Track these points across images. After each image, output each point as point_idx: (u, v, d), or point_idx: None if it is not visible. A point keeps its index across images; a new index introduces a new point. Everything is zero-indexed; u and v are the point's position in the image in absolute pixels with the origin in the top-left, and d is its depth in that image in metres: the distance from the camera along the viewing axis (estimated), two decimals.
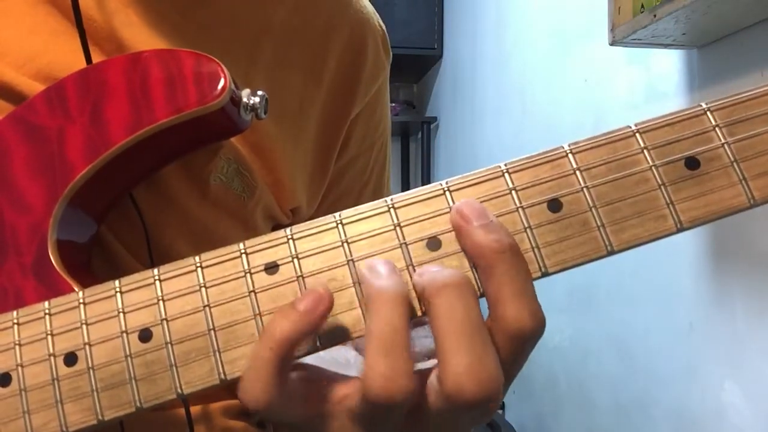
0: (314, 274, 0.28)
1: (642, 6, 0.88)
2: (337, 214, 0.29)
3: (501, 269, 0.27)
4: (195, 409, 0.43)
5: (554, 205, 0.28)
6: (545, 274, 0.28)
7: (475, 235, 0.27)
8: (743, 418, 0.93)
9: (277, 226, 0.48)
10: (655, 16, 0.85)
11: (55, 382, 0.29)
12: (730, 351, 0.95)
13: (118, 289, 0.30)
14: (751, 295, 0.91)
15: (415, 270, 0.28)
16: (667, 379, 1.10)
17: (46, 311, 0.30)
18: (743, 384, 0.93)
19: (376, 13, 0.54)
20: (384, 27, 0.54)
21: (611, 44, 0.97)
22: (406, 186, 2.61)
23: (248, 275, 0.29)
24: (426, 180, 2.36)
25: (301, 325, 0.27)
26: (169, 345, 0.28)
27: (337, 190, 0.53)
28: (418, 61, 2.43)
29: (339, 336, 0.28)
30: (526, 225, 0.28)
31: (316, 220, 0.29)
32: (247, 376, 0.27)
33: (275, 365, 0.27)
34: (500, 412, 1.70)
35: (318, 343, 0.28)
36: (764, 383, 0.89)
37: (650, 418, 1.15)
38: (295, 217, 0.49)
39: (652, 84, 1.14)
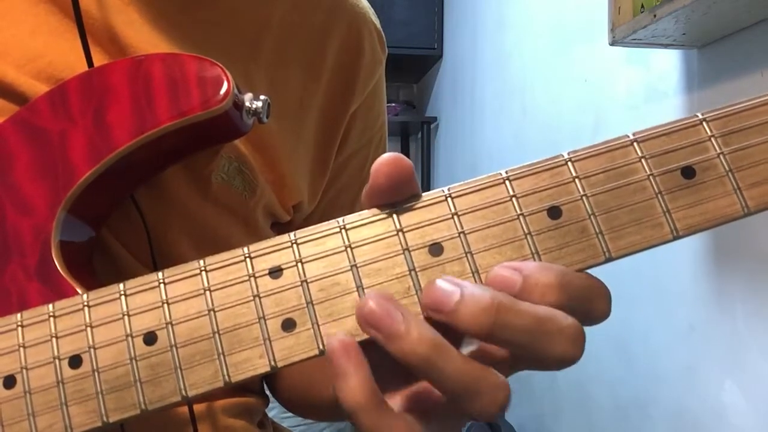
0: (318, 279, 0.29)
1: (642, 6, 0.88)
2: (340, 219, 0.29)
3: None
4: (197, 408, 0.44)
5: (554, 212, 0.28)
6: None
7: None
8: (743, 418, 0.93)
9: (276, 224, 0.49)
10: (655, 16, 0.86)
11: (60, 384, 0.29)
12: (730, 351, 0.95)
13: (122, 292, 0.30)
14: (751, 295, 0.91)
15: (417, 275, 0.28)
16: (667, 379, 1.10)
17: (51, 314, 0.30)
18: (743, 384, 0.93)
19: (371, 9, 0.54)
20: (378, 22, 0.54)
21: (611, 44, 0.98)
22: None
23: (252, 279, 0.29)
24: (426, 180, 2.36)
25: (359, 373, 0.26)
26: (174, 348, 0.28)
27: (337, 185, 0.53)
28: (418, 61, 2.43)
29: None
30: (526, 231, 0.28)
31: (319, 224, 0.30)
32: None
33: (381, 409, 0.27)
34: None
35: None
36: (764, 383, 0.89)
37: (650, 418, 1.15)
38: (296, 213, 0.50)
39: (652, 84, 1.14)
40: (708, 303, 1.00)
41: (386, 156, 0.28)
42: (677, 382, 1.08)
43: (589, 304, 0.27)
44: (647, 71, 1.15)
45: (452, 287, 0.26)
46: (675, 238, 0.28)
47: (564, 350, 0.26)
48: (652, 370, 1.15)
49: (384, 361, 0.28)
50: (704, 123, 0.29)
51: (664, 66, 1.09)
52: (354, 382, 0.26)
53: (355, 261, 0.29)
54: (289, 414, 0.58)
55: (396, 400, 0.29)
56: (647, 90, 1.16)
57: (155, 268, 0.35)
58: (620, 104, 1.24)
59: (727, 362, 0.96)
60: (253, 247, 0.29)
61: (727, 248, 0.96)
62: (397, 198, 0.29)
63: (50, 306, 0.30)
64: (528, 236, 0.28)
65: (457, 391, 0.26)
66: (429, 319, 0.27)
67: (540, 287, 0.26)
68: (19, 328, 0.30)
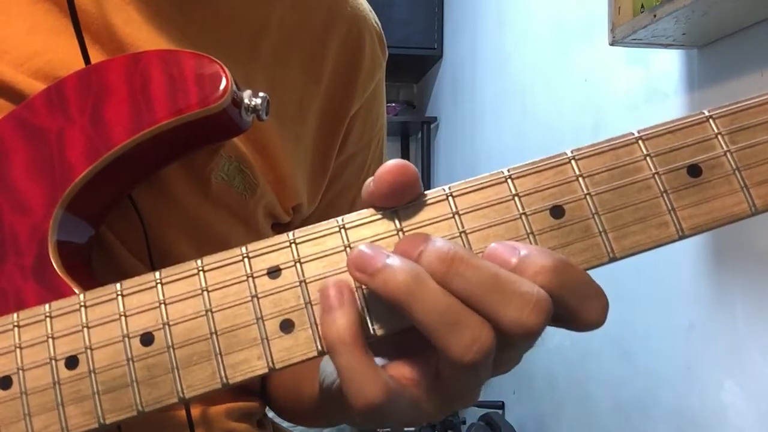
0: (317, 279, 0.28)
1: (642, 6, 0.88)
2: (339, 219, 0.29)
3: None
4: (197, 411, 0.43)
5: (557, 211, 0.28)
6: None
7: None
8: (743, 418, 0.93)
9: (276, 225, 0.48)
10: (655, 16, 0.85)
11: (56, 385, 0.29)
12: (730, 351, 0.95)
13: (119, 292, 0.29)
14: (751, 295, 0.91)
15: None
16: (667, 379, 1.10)
17: (47, 314, 0.30)
18: (743, 384, 0.93)
19: (372, 11, 0.54)
20: (379, 24, 0.54)
21: (611, 44, 0.97)
22: None
23: (250, 279, 0.29)
24: (426, 180, 2.36)
25: (347, 310, 0.27)
26: (171, 349, 0.28)
27: (336, 186, 0.53)
28: (418, 61, 2.43)
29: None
30: (529, 231, 0.28)
31: (318, 224, 0.29)
32: (353, 384, 0.26)
33: (362, 351, 0.27)
34: (500, 412, 1.70)
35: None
36: (764, 383, 0.89)
37: (650, 418, 1.15)
38: (296, 215, 0.49)
39: (652, 84, 1.14)
40: (708, 303, 1.00)
41: (391, 163, 0.28)
42: (677, 382, 1.07)
43: (582, 301, 0.27)
44: (647, 71, 1.15)
45: (420, 239, 0.27)
46: (680, 238, 0.27)
47: (519, 315, 0.25)
48: (652, 370, 1.15)
49: (387, 344, 0.28)
50: (711, 120, 0.28)
51: (664, 66, 1.09)
52: (340, 317, 0.27)
53: None
54: None
55: (392, 370, 0.29)
56: (647, 90, 1.15)
57: (152, 267, 0.35)
58: (620, 104, 1.24)
59: (727, 362, 0.96)
60: (251, 246, 0.29)
61: (727, 248, 0.96)
62: (399, 203, 0.29)
63: (47, 306, 0.30)
64: (530, 236, 0.28)
65: (437, 322, 0.26)
66: None
67: (535, 267, 0.26)
68: (16, 329, 0.30)
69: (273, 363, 0.28)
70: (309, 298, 0.28)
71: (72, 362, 0.29)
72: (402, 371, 0.28)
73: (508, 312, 0.25)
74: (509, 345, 0.27)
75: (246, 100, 0.36)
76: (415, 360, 0.28)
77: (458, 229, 0.28)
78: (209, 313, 0.28)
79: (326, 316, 0.27)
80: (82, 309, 0.29)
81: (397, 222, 0.29)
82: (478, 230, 0.28)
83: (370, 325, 0.28)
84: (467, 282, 0.26)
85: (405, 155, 2.65)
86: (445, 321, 0.26)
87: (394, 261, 0.26)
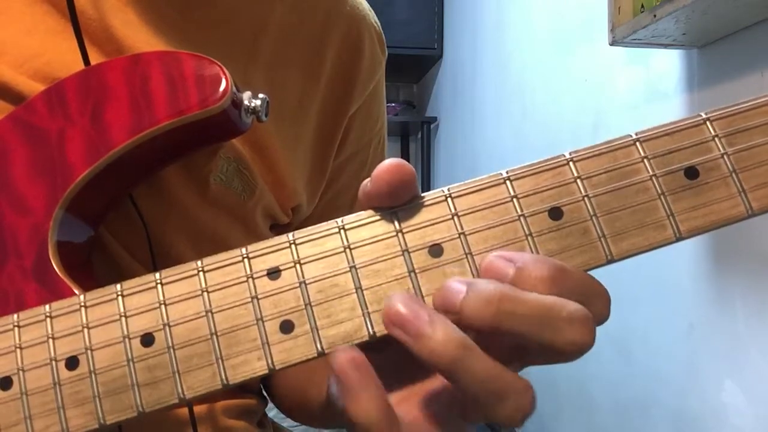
0: (316, 280, 0.28)
1: (642, 6, 0.88)
2: (339, 220, 0.29)
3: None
4: (197, 409, 0.43)
5: (555, 213, 0.28)
6: None
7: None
8: (743, 418, 0.93)
9: (275, 226, 0.48)
10: (655, 16, 0.85)
11: (57, 386, 0.29)
12: (730, 351, 0.95)
13: (119, 293, 0.29)
14: (751, 295, 0.91)
15: (417, 277, 0.28)
16: (667, 379, 1.10)
17: (47, 314, 0.30)
18: (743, 384, 0.93)
19: (372, 11, 0.54)
20: (379, 24, 0.54)
21: (611, 44, 0.97)
22: None
23: (250, 280, 0.29)
24: (426, 180, 2.36)
25: (371, 389, 0.26)
26: (171, 349, 0.28)
27: (336, 186, 0.53)
28: (418, 61, 2.43)
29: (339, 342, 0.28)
30: (527, 233, 0.28)
31: (318, 225, 0.29)
32: None
33: (394, 425, 0.26)
34: None
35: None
36: (764, 383, 0.89)
37: (650, 418, 1.15)
38: (295, 215, 0.49)
39: (652, 84, 1.14)
40: (708, 303, 1.00)
41: (388, 163, 0.28)
42: (677, 382, 1.07)
43: (585, 302, 0.26)
44: (647, 71, 1.15)
45: (460, 285, 0.26)
46: (678, 240, 0.28)
47: (574, 337, 0.25)
48: (652, 370, 1.15)
49: (386, 362, 0.28)
50: (708, 122, 0.28)
51: (664, 66, 1.09)
52: (366, 399, 0.26)
53: (354, 262, 0.28)
54: None
55: (403, 407, 0.29)
56: (647, 90, 1.16)
57: (154, 268, 0.35)
58: (620, 104, 1.24)
59: (727, 362, 0.96)
60: (251, 247, 0.29)
61: (727, 248, 0.96)
62: (396, 203, 0.29)
63: (47, 307, 0.30)
64: (529, 237, 0.28)
65: (482, 394, 0.25)
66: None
67: (531, 280, 0.26)
68: (16, 329, 0.30)
69: (273, 364, 0.28)
70: (309, 299, 0.28)
71: (72, 363, 0.29)
72: (412, 411, 0.28)
73: (564, 337, 0.25)
74: (556, 361, 0.27)
75: (246, 102, 0.36)
76: (425, 398, 0.28)
77: (457, 230, 0.28)
78: (209, 314, 0.28)
79: (349, 399, 0.26)
80: (83, 309, 0.29)
81: (396, 223, 0.29)
82: (477, 232, 0.28)
83: (370, 327, 0.28)
84: (520, 320, 0.25)
85: (405, 155, 2.65)
86: (491, 392, 0.25)
87: (438, 329, 0.25)
